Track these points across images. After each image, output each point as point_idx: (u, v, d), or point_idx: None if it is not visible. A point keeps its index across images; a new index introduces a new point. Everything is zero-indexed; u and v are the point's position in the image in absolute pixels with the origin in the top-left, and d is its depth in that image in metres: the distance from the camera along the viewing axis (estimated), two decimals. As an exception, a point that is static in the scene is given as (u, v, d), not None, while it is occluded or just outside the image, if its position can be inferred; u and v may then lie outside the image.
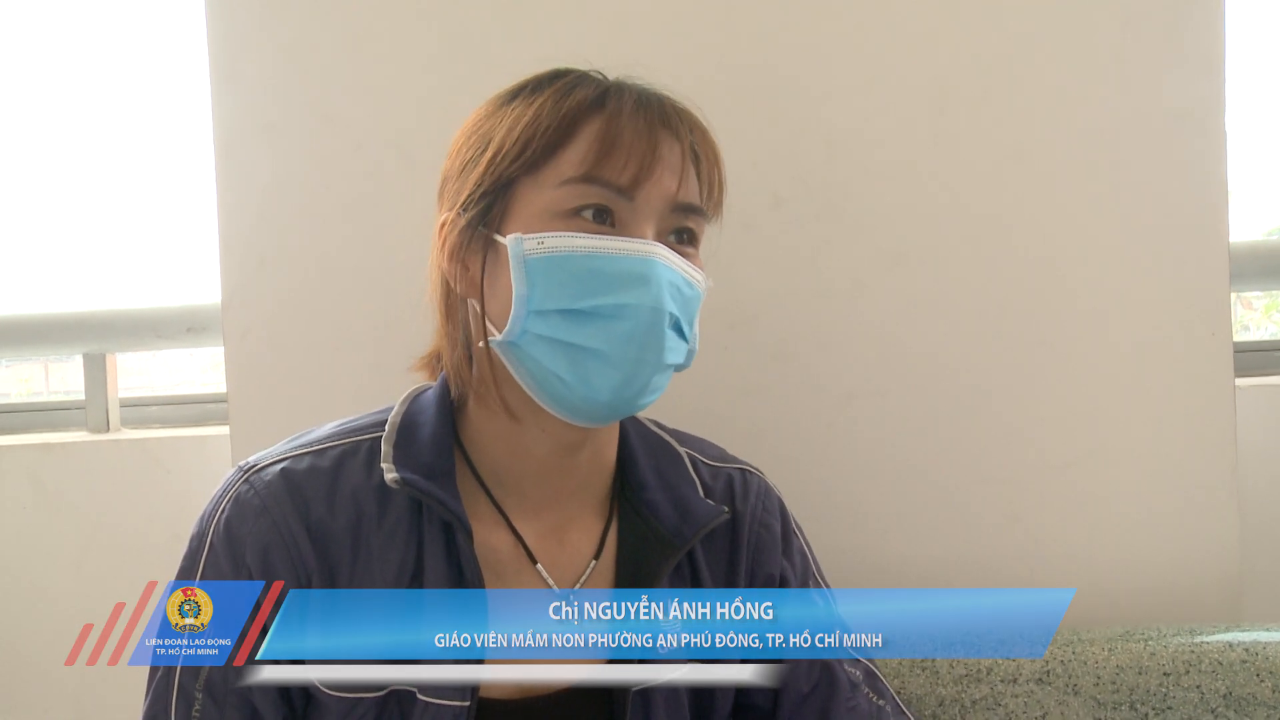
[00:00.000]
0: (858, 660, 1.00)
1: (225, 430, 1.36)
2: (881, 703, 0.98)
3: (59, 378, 2.14)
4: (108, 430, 1.74)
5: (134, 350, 1.84)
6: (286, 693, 0.86)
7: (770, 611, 0.98)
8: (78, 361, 1.78)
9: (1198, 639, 1.15)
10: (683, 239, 0.87)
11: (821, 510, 1.08)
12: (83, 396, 1.76)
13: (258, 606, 0.84)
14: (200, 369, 2.10)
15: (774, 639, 0.98)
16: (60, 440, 1.69)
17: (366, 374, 1.31)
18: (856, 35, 1.26)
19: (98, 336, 1.74)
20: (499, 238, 0.83)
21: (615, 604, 0.90)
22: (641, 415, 1.01)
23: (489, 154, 0.85)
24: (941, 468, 1.27)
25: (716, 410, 1.22)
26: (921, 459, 1.27)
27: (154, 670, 0.87)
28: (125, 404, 1.80)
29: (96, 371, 1.75)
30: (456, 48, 1.29)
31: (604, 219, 0.83)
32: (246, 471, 0.88)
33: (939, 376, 1.27)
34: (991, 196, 1.26)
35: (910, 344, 1.27)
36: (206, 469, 1.60)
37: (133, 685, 1.53)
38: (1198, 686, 1.12)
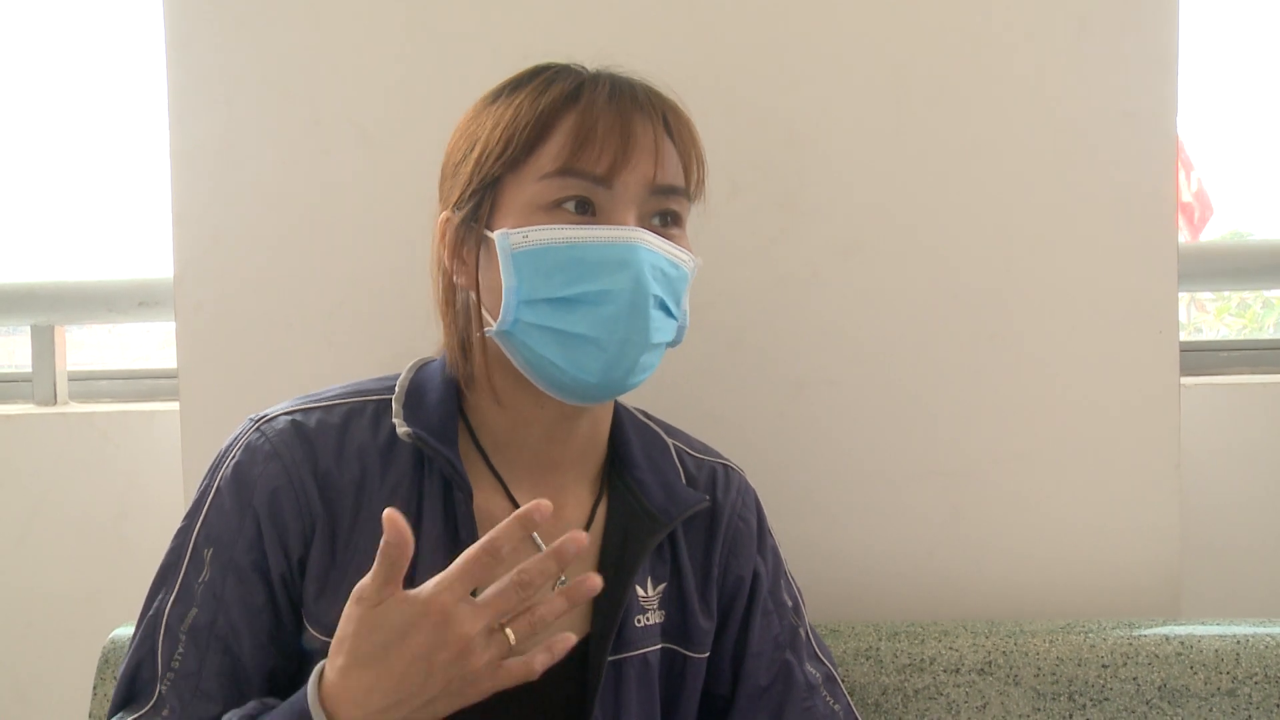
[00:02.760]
0: (821, 662, 1.03)
1: (175, 406, 1.35)
2: (836, 707, 1.01)
3: (6, 350, 2.11)
4: (55, 403, 1.72)
5: (84, 323, 1.82)
6: (279, 640, 0.88)
7: (741, 606, 1.01)
8: (26, 333, 1.75)
9: (1136, 632, 1.17)
10: (666, 221, 0.90)
11: (770, 498, 1.08)
12: (30, 369, 1.73)
13: (259, 549, 0.87)
14: (157, 344, 2.08)
15: (742, 633, 1.00)
16: (5, 412, 1.66)
17: (319, 350, 1.31)
18: (818, 27, 1.26)
19: (46, 308, 1.71)
20: (489, 233, 0.88)
21: (601, 577, 0.94)
22: (631, 405, 1.05)
23: (475, 154, 0.89)
24: (889, 459, 1.28)
25: (669, 397, 1.22)
26: (870, 450, 1.28)
27: (145, 607, 0.88)
28: (74, 378, 1.77)
29: (44, 344, 1.73)
30: (417, 23, 1.28)
31: (585, 209, 0.86)
32: (258, 421, 0.92)
33: (889, 368, 1.28)
34: (946, 191, 1.26)
35: (862, 335, 1.28)
36: (155, 445, 1.59)
37: (71, 663, 1.52)
38: (1134, 678, 1.14)
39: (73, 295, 1.72)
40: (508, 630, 0.75)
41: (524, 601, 0.74)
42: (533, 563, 0.74)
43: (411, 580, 0.87)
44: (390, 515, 0.72)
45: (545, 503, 0.73)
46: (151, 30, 1.31)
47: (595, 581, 0.75)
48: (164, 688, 0.85)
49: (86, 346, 2.05)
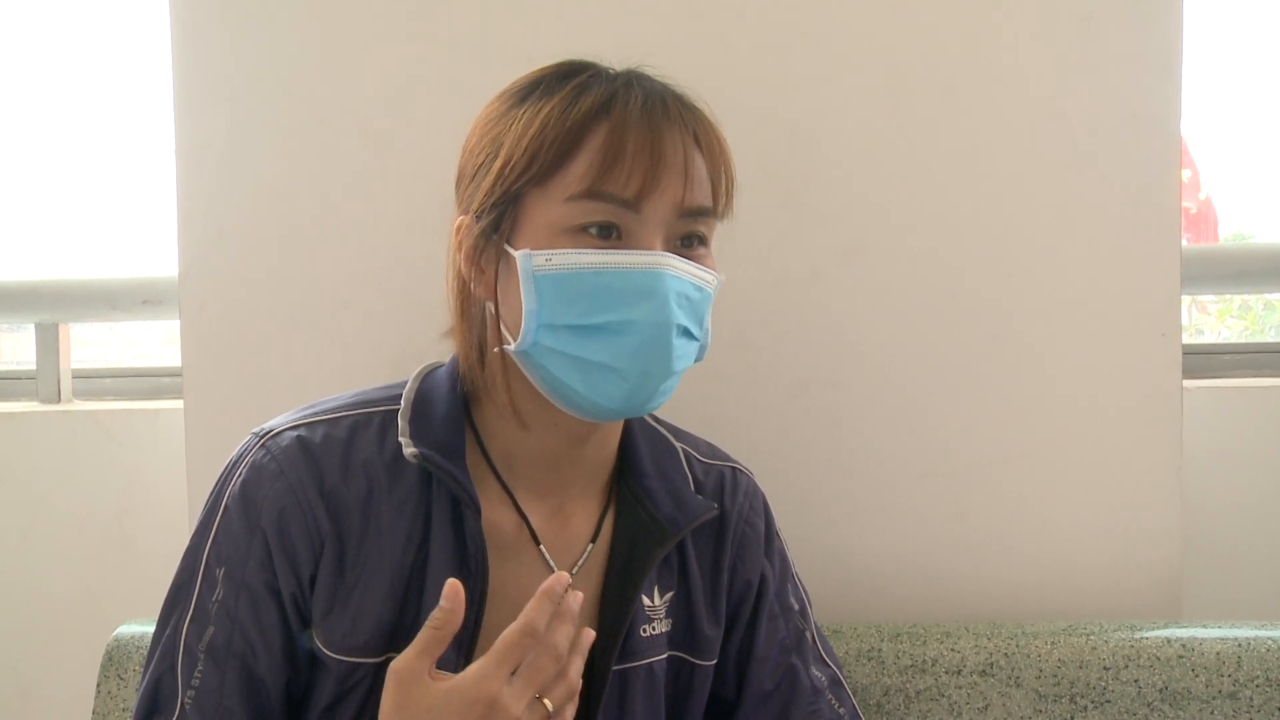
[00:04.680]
0: (826, 665, 1.03)
1: (179, 404, 1.35)
2: (842, 711, 1.01)
3: (10, 348, 2.11)
4: (59, 401, 1.72)
5: (88, 321, 1.82)
6: (292, 654, 0.87)
7: (748, 610, 1.00)
8: (30, 331, 1.76)
9: (1138, 634, 1.17)
10: (691, 243, 0.88)
11: (772, 498, 1.08)
12: (34, 367, 1.73)
13: (269, 569, 0.86)
14: (159, 342, 2.08)
15: (747, 637, 1.00)
16: (9, 410, 1.66)
17: (324, 349, 1.31)
18: (821, 28, 1.27)
19: (51, 306, 1.71)
20: (510, 249, 0.85)
21: (607, 588, 0.94)
22: None
23: (499, 164, 0.86)
24: (892, 460, 1.28)
25: (671, 397, 1.22)
26: (872, 451, 1.28)
27: (161, 626, 0.88)
28: (78, 375, 1.78)
29: (49, 342, 1.73)
30: (423, 22, 1.28)
31: (610, 234, 0.84)
32: (262, 437, 0.90)
33: (892, 369, 1.28)
34: (949, 192, 1.27)
35: (864, 336, 1.28)
36: (158, 443, 1.59)
37: (75, 661, 1.52)
38: (1135, 681, 1.14)
39: (77, 293, 1.72)
40: (545, 700, 0.77)
41: (558, 669, 0.77)
42: (555, 630, 0.77)
43: (420, 597, 0.87)
44: (452, 586, 0.76)
45: (564, 575, 0.78)
46: (157, 28, 1.32)
47: (589, 635, 0.80)
48: (187, 705, 0.85)
49: (90, 344, 2.06)
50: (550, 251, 0.83)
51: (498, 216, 0.86)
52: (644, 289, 0.82)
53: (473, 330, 0.91)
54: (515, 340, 0.85)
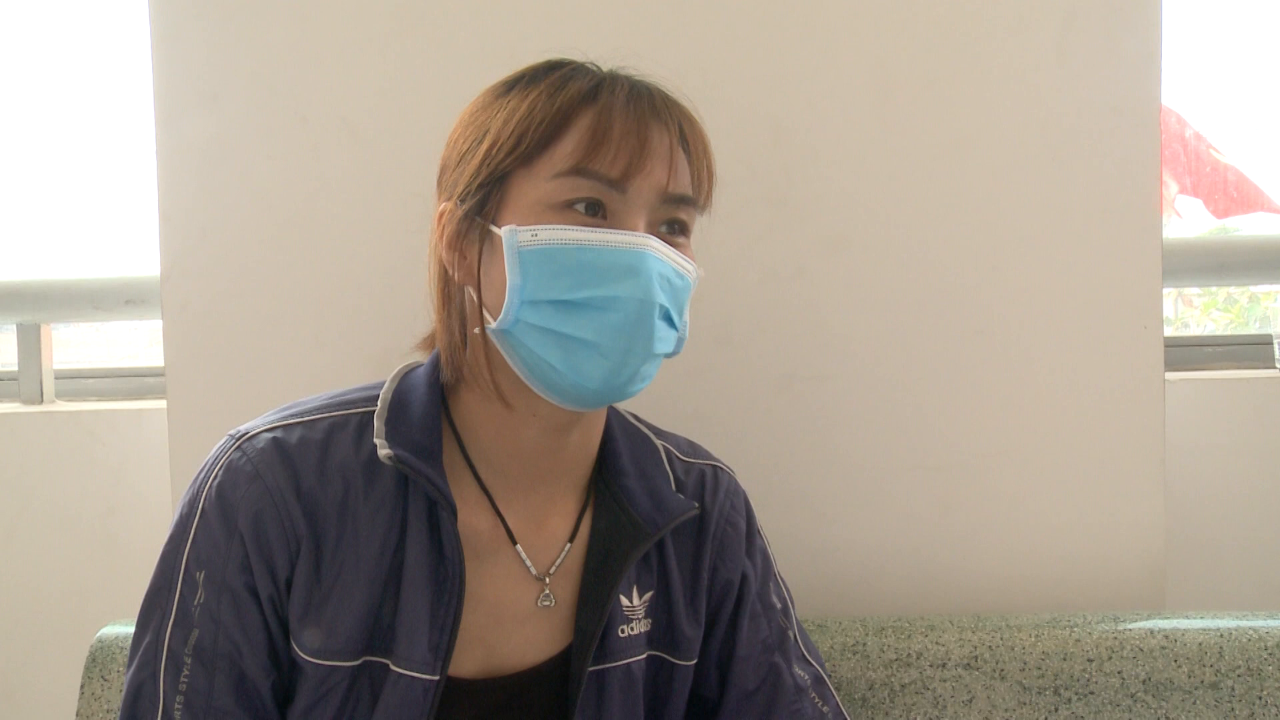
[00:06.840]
0: (809, 664, 1.02)
1: (162, 404, 1.34)
2: (825, 709, 1.01)
3: (-9, 348, 2.10)
4: (41, 402, 1.71)
5: (70, 321, 1.81)
6: (275, 655, 0.87)
7: (729, 609, 1.00)
8: (11, 332, 1.75)
9: (1121, 626, 1.17)
10: (674, 229, 0.89)
11: (757, 493, 1.08)
12: (15, 367, 1.73)
13: (248, 571, 0.85)
14: (145, 342, 2.08)
15: (729, 636, 1.00)
16: (-9, 411, 1.66)
17: (307, 348, 1.30)
18: (805, 23, 1.27)
19: (32, 307, 1.70)
20: (494, 228, 0.85)
21: (584, 589, 0.93)
22: (622, 407, 1.03)
23: (485, 146, 0.86)
24: (877, 454, 1.29)
25: (657, 392, 1.22)
26: (857, 445, 1.29)
27: (140, 633, 0.87)
28: (60, 376, 1.77)
29: (30, 342, 1.72)
30: (405, 19, 1.28)
31: (596, 211, 0.84)
32: (239, 439, 0.89)
33: (877, 363, 1.28)
34: (933, 186, 1.27)
35: (849, 331, 1.28)
36: (142, 443, 1.58)
37: (59, 661, 1.52)
38: (1119, 672, 1.14)
39: (59, 293, 1.71)
40: None
41: None
42: None
43: (397, 600, 0.87)
44: None
45: None
46: (138, 27, 1.31)
47: None
48: (178, 710, 0.84)
49: (73, 345, 2.05)
50: (535, 227, 0.83)
51: (483, 198, 0.86)
52: (627, 267, 0.83)
53: (451, 317, 0.90)
54: (496, 320, 0.85)
